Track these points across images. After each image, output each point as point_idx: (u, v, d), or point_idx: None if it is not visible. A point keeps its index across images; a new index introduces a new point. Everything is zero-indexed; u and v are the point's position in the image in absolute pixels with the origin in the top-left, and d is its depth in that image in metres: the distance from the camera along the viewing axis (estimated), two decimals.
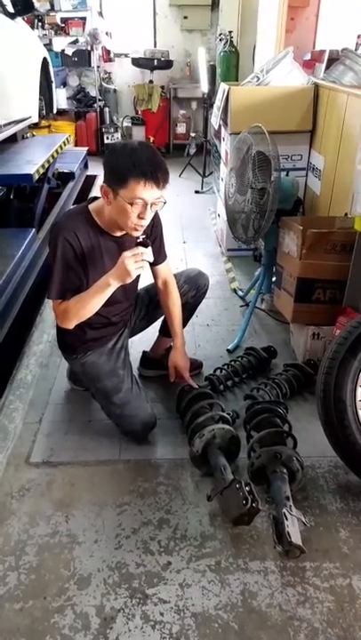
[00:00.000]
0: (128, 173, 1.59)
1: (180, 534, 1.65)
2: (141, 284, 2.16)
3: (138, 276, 2.02)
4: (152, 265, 2.03)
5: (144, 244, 1.68)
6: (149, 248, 1.68)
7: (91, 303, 1.76)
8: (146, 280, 2.18)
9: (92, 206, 1.81)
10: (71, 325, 1.83)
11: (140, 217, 1.66)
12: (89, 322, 1.92)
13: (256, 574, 1.53)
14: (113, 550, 1.60)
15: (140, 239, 1.71)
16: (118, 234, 1.82)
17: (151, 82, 6.74)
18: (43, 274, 3.02)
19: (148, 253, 1.66)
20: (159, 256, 2.03)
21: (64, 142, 4.40)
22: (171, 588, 1.49)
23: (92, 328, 1.97)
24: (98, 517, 1.70)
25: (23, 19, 4.05)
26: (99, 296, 1.74)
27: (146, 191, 1.61)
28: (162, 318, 2.30)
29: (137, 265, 1.65)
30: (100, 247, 1.80)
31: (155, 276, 2.10)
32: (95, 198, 1.84)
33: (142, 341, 2.44)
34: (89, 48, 6.49)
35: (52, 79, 4.80)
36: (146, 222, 1.70)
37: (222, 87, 3.52)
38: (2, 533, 1.65)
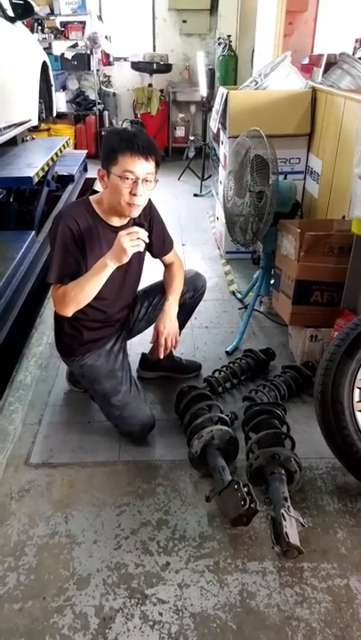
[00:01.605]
0: (117, 149, 1.68)
1: (179, 535, 1.66)
2: (141, 286, 2.18)
3: (139, 274, 2.05)
4: (161, 255, 2.11)
5: (140, 225, 1.73)
6: (144, 229, 1.72)
7: (88, 286, 1.77)
8: (145, 282, 2.20)
9: (92, 197, 1.88)
10: (69, 312, 1.83)
11: (132, 193, 1.72)
12: (86, 322, 1.93)
13: (254, 575, 1.54)
14: (112, 551, 1.61)
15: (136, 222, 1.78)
16: (117, 223, 1.86)
17: (150, 85, 6.77)
18: (42, 276, 3.03)
19: (143, 233, 1.70)
20: (164, 246, 2.10)
21: (63, 145, 4.42)
22: (169, 588, 1.50)
23: (89, 329, 1.98)
24: (97, 518, 1.71)
25: (23, 22, 4.07)
26: (96, 278, 1.76)
27: (134, 164, 1.68)
28: None
29: (133, 243, 1.68)
30: (98, 235, 1.84)
31: (164, 265, 2.16)
32: (95, 192, 1.90)
33: (141, 343, 2.45)
34: (88, 52, 6.51)
35: (52, 82, 4.82)
36: (139, 200, 1.75)
37: (221, 91, 3.54)
38: (1, 534, 1.66)
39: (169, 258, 2.14)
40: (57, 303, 1.85)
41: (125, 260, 1.71)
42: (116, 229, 1.84)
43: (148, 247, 1.98)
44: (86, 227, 1.81)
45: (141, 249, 1.74)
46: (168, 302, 2.06)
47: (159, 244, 2.08)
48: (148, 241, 1.74)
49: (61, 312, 1.85)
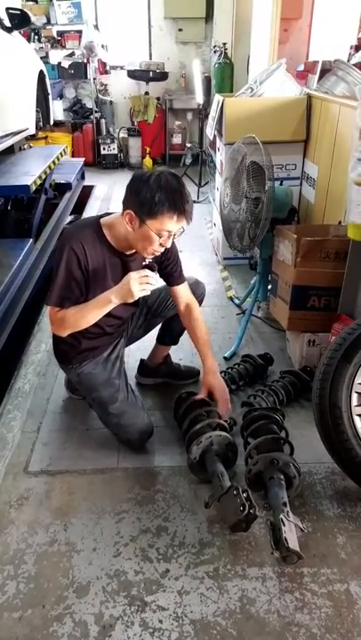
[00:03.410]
0: (162, 207, 1.63)
1: (179, 541, 1.65)
2: None
3: None
4: (172, 284, 2.05)
5: (151, 268, 1.73)
6: (155, 272, 1.73)
7: (89, 316, 1.79)
8: None
9: (103, 220, 1.83)
10: (65, 334, 1.85)
11: (161, 245, 1.72)
12: (84, 332, 1.93)
13: (254, 581, 1.53)
14: (111, 558, 1.60)
15: (147, 262, 1.76)
16: (127, 252, 1.85)
17: (147, 93, 6.80)
18: (40, 284, 3.05)
19: (153, 277, 1.71)
20: (179, 277, 2.06)
21: (61, 153, 4.44)
22: (169, 595, 1.50)
23: (87, 338, 1.98)
24: (96, 525, 1.71)
25: (20, 32, 4.10)
26: (98, 310, 1.77)
27: (175, 225, 1.68)
28: (159, 326, 2.32)
29: (141, 287, 1.69)
30: (104, 262, 1.82)
31: (176, 297, 2.08)
32: (107, 214, 1.88)
33: (140, 349, 2.46)
34: (85, 60, 6.56)
35: (49, 91, 4.85)
36: (163, 249, 1.76)
37: (217, 98, 3.56)
38: (1, 542, 1.65)
39: (183, 292, 2.07)
40: (54, 325, 1.85)
41: (131, 300, 1.72)
42: (124, 257, 1.85)
43: (167, 278, 2.01)
44: (93, 253, 1.78)
45: (148, 293, 1.74)
46: (208, 361, 2.04)
47: (175, 273, 2.04)
48: (156, 285, 1.74)
49: (57, 333, 1.87)
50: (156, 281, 1.72)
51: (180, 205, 1.64)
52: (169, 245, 1.75)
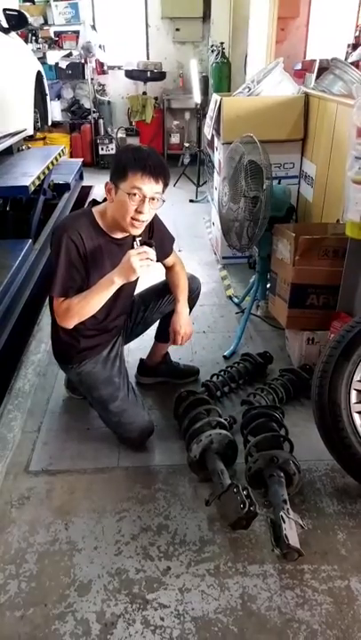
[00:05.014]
0: (128, 166, 1.67)
1: (179, 539, 1.66)
2: (138, 289, 2.19)
3: (135, 285, 2.06)
4: (162, 259, 2.09)
5: (149, 244, 1.74)
6: (153, 248, 1.73)
7: (93, 301, 1.79)
8: (141, 286, 2.21)
9: (95, 209, 1.87)
10: (71, 324, 1.84)
11: (137, 211, 1.72)
12: (83, 330, 1.93)
13: (255, 578, 1.54)
14: (113, 556, 1.61)
15: (137, 240, 1.77)
16: (120, 235, 1.87)
17: (145, 93, 6.81)
18: (40, 284, 3.05)
19: (152, 253, 1.71)
20: (163, 250, 2.08)
21: (59, 154, 4.44)
22: (170, 592, 1.50)
23: (85, 337, 1.99)
24: (97, 524, 1.72)
25: (17, 33, 4.10)
26: (102, 293, 1.78)
27: (143, 183, 1.68)
28: (157, 323, 2.33)
29: (142, 263, 1.69)
30: (101, 248, 1.84)
31: (166, 267, 2.16)
32: (96, 202, 1.91)
33: (139, 349, 2.47)
34: (83, 61, 6.56)
35: (47, 92, 4.85)
36: (144, 218, 1.75)
37: (214, 98, 3.57)
38: (2, 542, 1.66)
39: (170, 260, 2.15)
40: (60, 316, 1.85)
41: (133, 278, 1.74)
42: (119, 241, 1.86)
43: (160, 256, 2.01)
44: (90, 240, 1.81)
45: (150, 269, 1.74)
46: (180, 304, 2.10)
47: (159, 250, 2.07)
48: (155, 260, 1.75)
49: (64, 324, 1.86)
50: (155, 257, 1.73)
51: (145, 163, 1.67)
52: (145, 211, 1.72)
